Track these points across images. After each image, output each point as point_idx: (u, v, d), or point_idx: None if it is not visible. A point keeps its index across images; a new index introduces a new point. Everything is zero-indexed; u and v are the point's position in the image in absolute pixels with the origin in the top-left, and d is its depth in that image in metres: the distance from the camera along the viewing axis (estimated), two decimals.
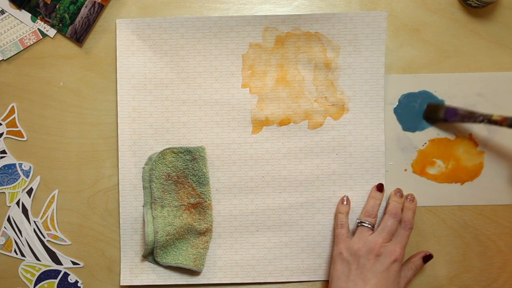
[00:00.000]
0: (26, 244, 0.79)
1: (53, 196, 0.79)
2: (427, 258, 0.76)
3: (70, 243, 0.79)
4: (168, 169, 0.77)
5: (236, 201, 0.78)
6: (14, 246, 0.79)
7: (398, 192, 0.77)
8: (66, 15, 0.78)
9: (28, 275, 0.79)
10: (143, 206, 0.78)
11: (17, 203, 0.79)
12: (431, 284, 0.79)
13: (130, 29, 0.78)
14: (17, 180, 0.79)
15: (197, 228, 0.77)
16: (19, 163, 0.79)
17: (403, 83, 0.79)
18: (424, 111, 0.78)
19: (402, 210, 0.75)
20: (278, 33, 0.78)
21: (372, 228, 0.75)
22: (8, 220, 0.79)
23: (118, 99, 0.78)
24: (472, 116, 0.74)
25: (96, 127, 0.79)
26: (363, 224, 0.74)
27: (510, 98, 0.79)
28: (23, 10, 0.78)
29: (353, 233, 0.76)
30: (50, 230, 0.79)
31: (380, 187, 0.77)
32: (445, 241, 0.79)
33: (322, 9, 0.79)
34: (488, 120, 0.72)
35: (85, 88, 0.79)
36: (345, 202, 0.77)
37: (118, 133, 0.78)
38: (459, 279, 0.79)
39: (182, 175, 0.77)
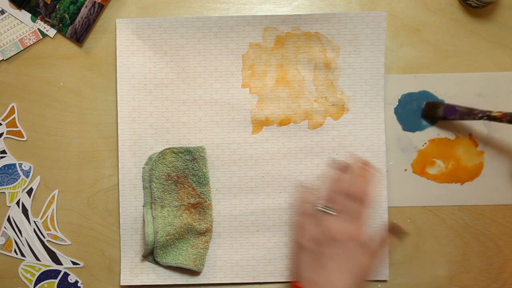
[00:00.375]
0: (26, 244, 0.79)
1: (53, 196, 0.79)
2: (396, 231, 0.74)
3: (70, 243, 0.79)
4: (168, 169, 0.77)
5: (236, 201, 0.78)
6: (14, 246, 0.79)
7: (346, 167, 0.75)
8: (66, 15, 0.78)
9: (28, 275, 0.79)
10: (143, 206, 0.78)
11: (17, 203, 0.79)
12: (431, 284, 0.79)
13: (130, 29, 0.78)
14: (17, 180, 0.79)
15: (197, 228, 0.77)
16: (19, 163, 0.79)
17: (403, 83, 0.79)
18: (423, 109, 0.78)
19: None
20: (278, 33, 0.78)
21: (331, 212, 0.72)
22: (8, 220, 0.79)
23: (118, 99, 0.78)
24: (471, 113, 0.74)
25: (96, 127, 0.79)
26: (325, 210, 0.72)
27: (510, 98, 0.79)
28: (23, 10, 0.78)
29: (313, 219, 0.74)
30: (50, 230, 0.79)
31: (343, 168, 0.76)
32: (445, 241, 0.79)
33: (322, 9, 0.79)
34: (488, 116, 0.72)
35: (85, 88, 0.79)
36: (310, 191, 0.75)
37: (118, 133, 0.78)
38: (459, 279, 0.79)
39: (182, 175, 0.77)
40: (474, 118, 0.74)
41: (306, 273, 0.70)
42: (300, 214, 0.74)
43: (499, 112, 0.71)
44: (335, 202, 0.71)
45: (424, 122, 0.79)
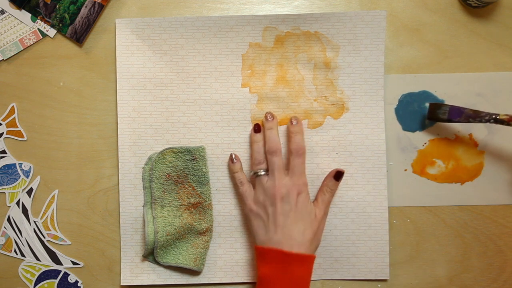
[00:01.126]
0: (26, 244, 0.79)
1: (53, 196, 0.79)
2: (338, 175, 0.76)
3: (70, 243, 0.79)
4: (168, 169, 0.77)
5: (236, 200, 0.78)
6: (14, 246, 0.79)
7: (270, 117, 0.77)
8: (66, 15, 0.78)
9: (28, 275, 0.79)
10: (143, 206, 0.78)
11: (17, 203, 0.79)
12: (431, 284, 0.79)
13: (129, 29, 0.78)
14: (17, 180, 0.79)
15: (197, 228, 0.77)
16: (19, 163, 0.79)
17: (403, 83, 0.79)
18: (428, 111, 0.77)
19: (289, 138, 0.76)
20: (277, 32, 0.78)
21: (261, 173, 0.74)
22: (8, 220, 0.79)
23: (117, 99, 0.78)
24: (477, 116, 0.73)
25: (96, 127, 0.79)
26: (257, 173, 0.74)
27: (510, 98, 0.79)
28: (23, 10, 0.78)
29: (252, 185, 0.76)
30: (50, 230, 0.79)
31: (257, 128, 0.77)
32: (445, 241, 0.79)
33: (322, 9, 0.79)
34: (495, 119, 0.71)
35: (85, 88, 0.79)
36: (235, 160, 0.77)
37: (118, 133, 0.78)
38: (459, 279, 0.79)
39: (182, 175, 0.77)
40: (480, 121, 0.73)
41: (266, 236, 0.71)
42: (238, 185, 0.76)
43: (506, 115, 0.71)
44: (260, 162, 0.74)
45: (424, 122, 0.79)
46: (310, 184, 0.78)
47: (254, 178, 0.75)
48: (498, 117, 0.71)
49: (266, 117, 0.77)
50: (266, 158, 0.75)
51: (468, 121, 0.74)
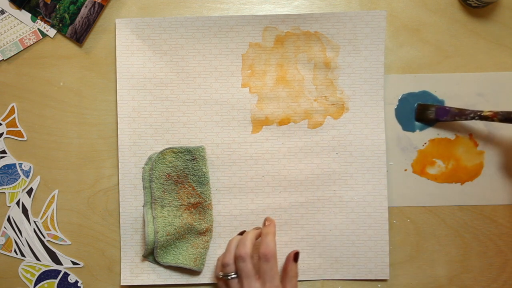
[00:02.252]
0: (26, 244, 0.79)
1: (53, 196, 0.79)
2: (296, 257, 0.75)
3: (70, 243, 0.79)
4: (168, 169, 0.77)
5: (236, 200, 0.78)
6: (14, 246, 0.79)
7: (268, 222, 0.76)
8: (66, 15, 0.78)
9: (28, 275, 0.79)
10: (143, 206, 0.78)
11: (17, 203, 0.79)
12: (431, 284, 0.79)
13: (129, 28, 0.78)
14: (17, 180, 0.79)
15: (197, 228, 0.77)
16: (19, 163, 0.79)
17: (403, 83, 0.79)
18: (415, 112, 0.79)
19: (261, 239, 0.73)
20: (277, 32, 0.78)
21: (230, 277, 0.72)
22: (8, 220, 0.79)
23: (117, 99, 0.78)
24: (463, 113, 0.75)
25: (96, 127, 0.79)
26: (227, 276, 0.71)
27: (510, 98, 0.79)
28: (23, 10, 0.78)
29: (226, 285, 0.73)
30: (50, 230, 0.79)
31: (241, 233, 0.77)
32: (445, 241, 0.79)
33: (322, 9, 0.79)
34: (479, 116, 0.73)
35: (85, 88, 0.79)
36: (220, 260, 0.75)
37: (118, 133, 0.78)
38: (459, 279, 0.79)
39: (182, 175, 0.77)
40: (466, 119, 0.74)
41: None
42: (217, 282, 0.75)
43: (490, 111, 0.72)
44: (229, 265, 0.71)
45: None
46: (310, 183, 0.78)
47: (224, 280, 0.72)
48: (482, 113, 0.73)
49: (264, 223, 0.76)
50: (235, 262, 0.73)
51: (455, 119, 0.76)
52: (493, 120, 0.72)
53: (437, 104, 0.78)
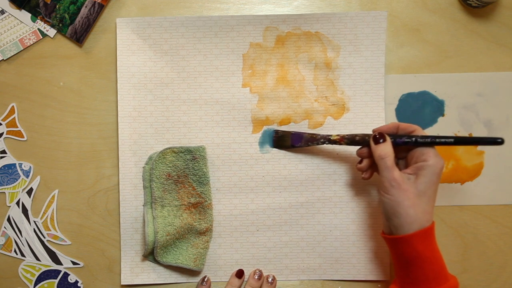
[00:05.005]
0: (26, 244, 0.79)
1: (53, 196, 0.79)
2: (240, 273, 0.78)
3: (70, 243, 0.79)
4: (169, 168, 0.77)
5: (236, 200, 0.78)
6: (14, 246, 0.79)
7: (256, 273, 0.78)
8: (66, 15, 0.78)
9: (28, 275, 0.79)
10: (143, 206, 0.78)
11: (17, 203, 0.79)
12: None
13: (130, 28, 0.78)
14: (17, 180, 0.79)
15: (197, 227, 0.77)
16: (19, 163, 0.79)
17: (403, 83, 0.79)
18: (272, 140, 0.79)
19: None
20: (278, 32, 0.78)
21: None
22: (8, 220, 0.79)
23: (118, 99, 0.78)
24: (314, 139, 0.76)
25: (96, 127, 0.79)
26: None
27: (510, 98, 0.79)
28: (23, 10, 0.78)
29: None
30: (50, 230, 0.79)
31: (239, 274, 0.78)
32: (445, 241, 0.79)
33: (322, 9, 0.79)
34: (329, 140, 0.74)
35: (85, 88, 0.79)
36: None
37: (118, 133, 0.78)
38: (459, 279, 0.78)
39: (182, 174, 0.77)
40: (317, 143, 0.75)
41: None
42: None
43: (337, 135, 0.73)
44: None
45: (426, 121, 0.79)
46: (310, 183, 0.78)
47: None
48: (331, 138, 0.74)
49: (267, 278, 0.78)
50: None
51: (308, 145, 0.76)
52: (340, 144, 0.73)
53: (293, 131, 0.78)
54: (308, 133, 0.76)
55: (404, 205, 0.64)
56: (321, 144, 0.75)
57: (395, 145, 0.68)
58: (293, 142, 0.77)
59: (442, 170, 0.66)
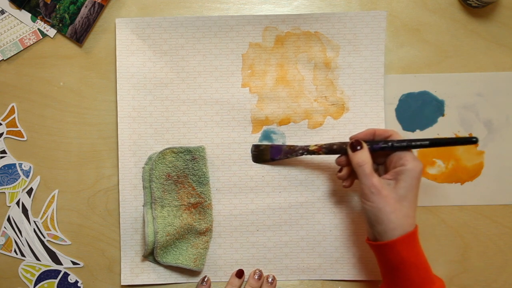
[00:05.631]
0: (26, 244, 0.79)
1: (53, 196, 0.79)
2: (240, 273, 0.78)
3: (70, 243, 0.79)
4: (168, 169, 0.77)
5: (236, 200, 0.78)
6: (14, 246, 0.79)
7: (256, 273, 0.78)
8: (66, 15, 0.78)
9: (28, 275, 0.79)
10: (143, 206, 0.78)
11: (17, 203, 0.79)
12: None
13: (129, 28, 0.78)
14: (17, 180, 0.79)
15: (197, 228, 0.77)
16: (19, 163, 0.79)
17: (403, 83, 0.79)
18: (252, 155, 0.79)
19: None
20: (278, 32, 0.78)
21: None
22: (8, 220, 0.79)
23: (118, 99, 0.78)
24: (293, 150, 0.76)
25: (96, 127, 0.79)
26: None
27: (510, 98, 0.79)
28: (23, 10, 0.78)
29: None
30: (50, 230, 0.79)
31: (239, 274, 0.78)
32: (445, 241, 0.79)
33: (322, 9, 0.79)
34: (307, 151, 0.74)
35: (85, 88, 0.79)
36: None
37: (118, 133, 0.78)
38: (459, 279, 0.79)
39: (182, 175, 0.77)
40: (296, 155, 0.76)
41: None
42: None
43: (315, 145, 0.73)
44: None
45: (426, 121, 0.79)
46: (310, 183, 0.78)
47: None
48: (309, 148, 0.74)
49: (266, 278, 0.78)
50: None
51: (287, 157, 0.77)
52: (318, 154, 0.73)
53: (271, 144, 0.78)
54: (287, 145, 0.77)
55: (386, 211, 0.64)
56: (299, 156, 0.75)
57: (372, 151, 0.68)
58: (272, 155, 0.77)
59: (421, 174, 0.66)
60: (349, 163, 0.70)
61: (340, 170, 0.72)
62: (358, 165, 0.66)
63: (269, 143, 0.78)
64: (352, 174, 0.71)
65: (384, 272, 0.68)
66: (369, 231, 0.68)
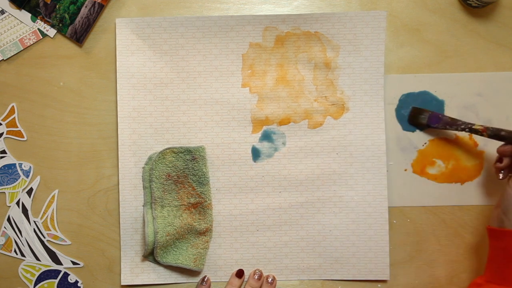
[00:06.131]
0: (26, 244, 0.79)
1: (53, 196, 0.79)
2: (240, 273, 0.78)
3: (70, 243, 0.79)
4: (168, 169, 0.77)
5: (236, 200, 0.78)
6: (14, 246, 0.79)
7: (256, 273, 0.78)
8: (66, 15, 0.78)
9: (28, 275, 0.79)
10: (143, 206, 0.78)
11: (17, 203, 0.79)
12: (431, 284, 0.79)
13: (129, 28, 0.78)
14: (17, 180, 0.79)
15: (197, 228, 0.77)
16: (19, 163, 0.79)
17: (403, 83, 0.79)
18: (409, 115, 0.79)
19: None
20: (278, 32, 0.78)
21: None
22: (8, 220, 0.79)
23: (118, 99, 0.78)
24: (454, 123, 0.75)
25: (96, 127, 0.79)
26: None
27: (510, 98, 0.79)
28: (23, 10, 0.78)
29: None
30: (50, 230, 0.79)
31: (239, 274, 0.78)
32: (445, 241, 0.79)
33: (322, 9, 0.79)
34: (470, 128, 0.74)
35: (85, 88, 0.79)
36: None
37: (118, 133, 0.78)
38: (459, 279, 0.79)
39: (182, 175, 0.77)
40: (456, 129, 0.75)
41: None
42: None
43: (481, 125, 0.73)
44: None
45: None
46: (310, 183, 0.78)
47: None
48: (473, 126, 0.73)
49: (266, 278, 0.78)
50: None
51: (446, 128, 0.76)
52: (482, 135, 0.72)
53: (432, 111, 0.78)
54: (449, 116, 0.76)
55: None
56: (460, 131, 0.75)
57: None
58: (430, 122, 0.77)
59: None
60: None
61: (499, 160, 0.71)
62: None
63: (430, 110, 0.78)
64: (510, 167, 0.71)
65: (496, 262, 0.67)
66: (497, 217, 0.68)
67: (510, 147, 0.69)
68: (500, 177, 0.71)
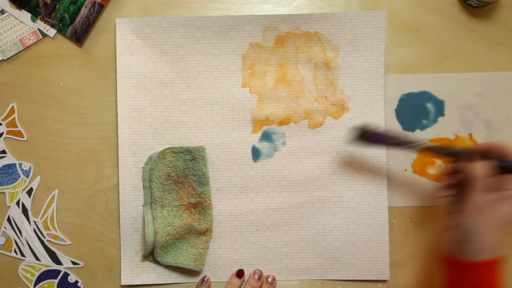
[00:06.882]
0: (26, 244, 0.79)
1: (53, 196, 0.79)
2: (240, 273, 0.78)
3: (70, 243, 0.79)
4: (168, 169, 0.77)
5: (236, 200, 0.78)
6: (14, 246, 0.79)
7: (256, 273, 0.78)
8: (66, 15, 0.78)
9: (28, 275, 0.79)
10: (143, 206, 0.78)
11: (17, 203, 0.79)
12: (431, 284, 0.78)
13: (129, 28, 0.78)
14: (17, 180, 0.79)
15: (197, 228, 0.77)
16: (19, 163, 0.79)
17: (403, 83, 0.79)
18: (356, 136, 0.73)
19: None
20: (278, 32, 0.78)
21: None
22: (8, 220, 0.79)
23: (118, 99, 0.78)
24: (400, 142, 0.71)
25: (96, 127, 0.79)
26: None
27: (510, 98, 0.79)
28: (23, 10, 0.78)
29: None
30: (50, 230, 0.79)
31: (239, 274, 0.78)
32: None
33: (322, 9, 0.79)
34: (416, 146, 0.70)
35: (85, 88, 0.79)
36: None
37: (118, 133, 0.78)
38: None
39: (182, 175, 0.77)
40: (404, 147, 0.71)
41: None
42: None
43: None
44: None
45: (424, 122, 0.79)
46: (310, 183, 0.78)
47: None
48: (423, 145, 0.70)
49: (266, 278, 0.78)
50: None
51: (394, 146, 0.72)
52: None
53: (376, 129, 0.73)
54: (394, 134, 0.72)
55: (484, 233, 0.61)
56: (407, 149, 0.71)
57: (498, 167, 0.64)
58: (376, 140, 0.72)
59: None
60: (461, 171, 0.66)
61: (448, 178, 0.69)
62: (473, 177, 0.63)
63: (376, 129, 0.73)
64: (459, 185, 0.67)
65: None
66: (451, 246, 0.65)
67: (458, 164, 0.67)
68: (447, 194, 0.69)
